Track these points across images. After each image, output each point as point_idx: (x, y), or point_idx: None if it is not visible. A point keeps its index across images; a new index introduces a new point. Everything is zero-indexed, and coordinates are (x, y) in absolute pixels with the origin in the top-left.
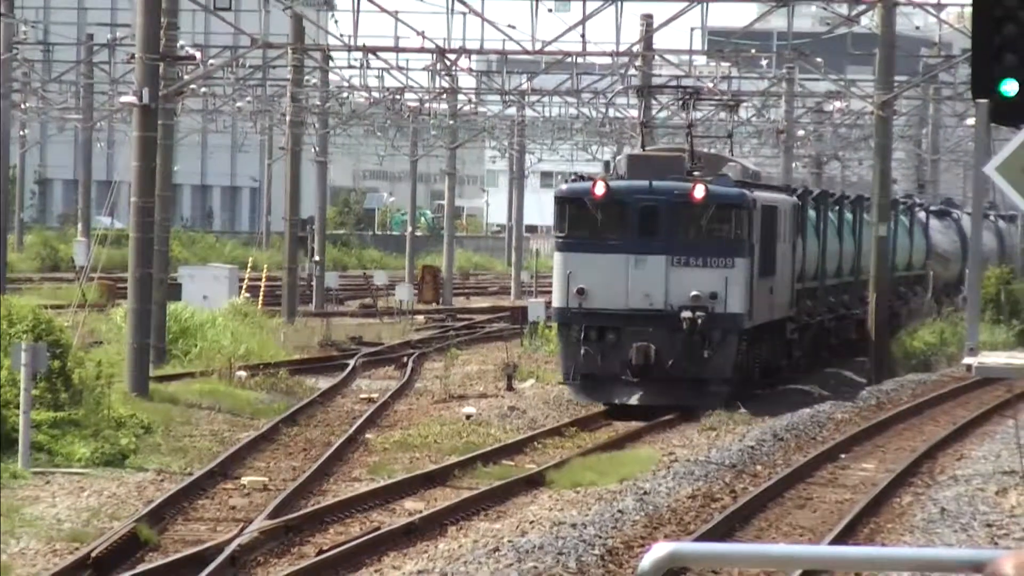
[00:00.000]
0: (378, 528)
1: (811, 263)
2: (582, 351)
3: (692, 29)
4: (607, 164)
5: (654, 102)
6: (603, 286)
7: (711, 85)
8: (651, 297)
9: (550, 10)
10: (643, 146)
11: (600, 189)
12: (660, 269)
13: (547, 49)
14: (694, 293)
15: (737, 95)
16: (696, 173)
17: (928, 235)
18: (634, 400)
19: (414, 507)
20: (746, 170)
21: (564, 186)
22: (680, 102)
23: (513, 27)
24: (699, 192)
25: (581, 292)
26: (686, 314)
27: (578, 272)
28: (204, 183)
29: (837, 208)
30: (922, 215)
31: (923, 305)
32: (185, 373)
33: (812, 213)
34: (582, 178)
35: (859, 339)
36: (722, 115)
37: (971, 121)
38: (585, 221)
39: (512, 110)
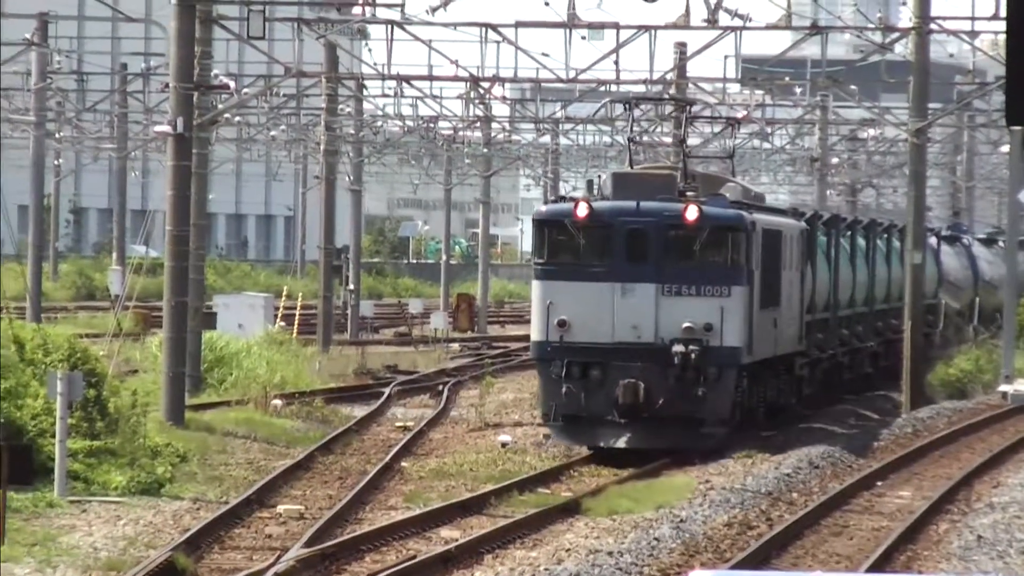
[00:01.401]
0: (414, 556)
1: (822, 293)
2: (564, 389)
3: (726, 57)
4: (590, 183)
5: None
6: (586, 317)
7: (745, 113)
8: (639, 329)
9: (583, 38)
10: (631, 163)
11: (583, 211)
12: (649, 298)
13: (581, 77)
14: (687, 325)
15: (771, 122)
16: (689, 193)
17: (939, 262)
18: (621, 443)
19: (450, 535)
20: (747, 191)
21: (543, 207)
22: (672, 116)
23: (547, 55)
24: (691, 213)
25: (562, 324)
26: (678, 348)
27: (559, 302)
28: (239, 212)
29: (849, 233)
30: (933, 241)
31: (936, 337)
32: (221, 402)
33: (822, 239)
34: (564, 199)
35: (875, 373)
36: (723, 134)
37: (1006, 148)
38: (566, 246)
39: (546, 138)
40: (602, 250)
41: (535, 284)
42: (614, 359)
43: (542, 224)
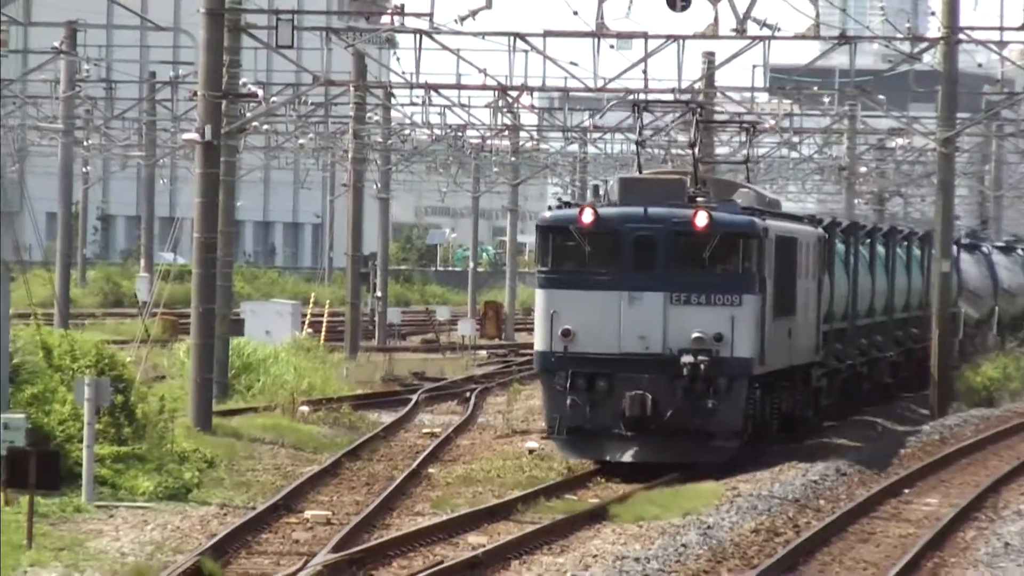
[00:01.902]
0: (441, 562)
1: (840, 301)
2: (568, 401)
3: (754, 66)
4: (596, 188)
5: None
6: (592, 327)
7: (773, 123)
8: (647, 339)
9: (612, 48)
10: (639, 168)
11: (588, 217)
12: (657, 308)
13: (609, 86)
14: (696, 335)
15: (799, 131)
16: (699, 199)
17: (959, 270)
18: (628, 457)
19: (477, 541)
20: (761, 197)
21: (547, 213)
22: (683, 120)
23: (575, 64)
24: (701, 220)
25: (567, 334)
26: (687, 359)
27: (564, 311)
28: (266, 219)
29: (868, 241)
30: (952, 249)
31: (955, 346)
32: (248, 408)
33: (841, 247)
34: (568, 204)
35: (894, 384)
36: (740, 139)
37: None
38: (571, 253)
39: (574, 147)
40: (608, 257)
41: (538, 293)
42: (621, 370)
43: (546, 230)
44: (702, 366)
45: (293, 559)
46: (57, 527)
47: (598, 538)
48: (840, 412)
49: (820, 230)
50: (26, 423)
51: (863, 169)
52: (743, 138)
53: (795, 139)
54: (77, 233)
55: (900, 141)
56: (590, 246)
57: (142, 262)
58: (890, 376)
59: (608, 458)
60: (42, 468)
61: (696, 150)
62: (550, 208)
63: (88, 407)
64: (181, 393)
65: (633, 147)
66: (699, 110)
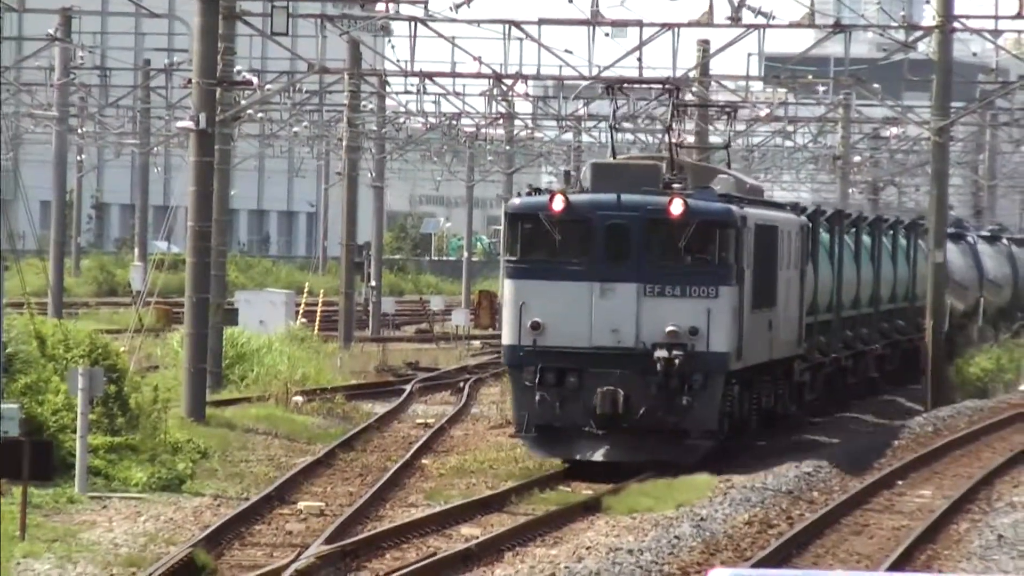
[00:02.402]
0: (435, 554)
1: (824, 293)
2: (537, 397)
3: (749, 55)
4: (567, 174)
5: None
6: (562, 320)
7: (768, 111)
8: (619, 333)
9: (607, 35)
10: (612, 152)
11: (559, 204)
12: (630, 299)
13: (604, 75)
14: (670, 328)
15: (794, 120)
16: (676, 186)
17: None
18: (599, 456)
19: (471, 533)
20: (741, 184)
21: (516, 200)
22: (663, 102)
23: (570, 52)
24: (676, 207)
25: (536, 327)
26: (661, 353)
27: (532, 303)
28: (261, 208)
29: (853, 230)
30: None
31: (941, 339)
32: (242, 398)
33: (825, 236)
34: (538, 191)
35: (880, 377)
36: (720, 125)
37: None
38: (541, 242)
39: (569, 135)
40: (579, 247)
41: (506, 283)
42: (591, 365)
43: (515, 218)
44: (676, 361)
45: (286, 550)
46: (50, 518)
47: (591, 530)
48: (825, 408)
49: (803, 218)
50: (19, 413)
51: (857, 158)
52: (725, 122)
53: (789, 128)
54: (71, 222)
55: (894, 130)
56: (560, 235)
57: (136, 251)
58: (876, 370)
59: (578, 457)
60: (35, 458)
61: (676, 134)
62: (519, 195)
63: (82, 397)
64: (175, 383)
65: (629, 136)
66: (675, 91)
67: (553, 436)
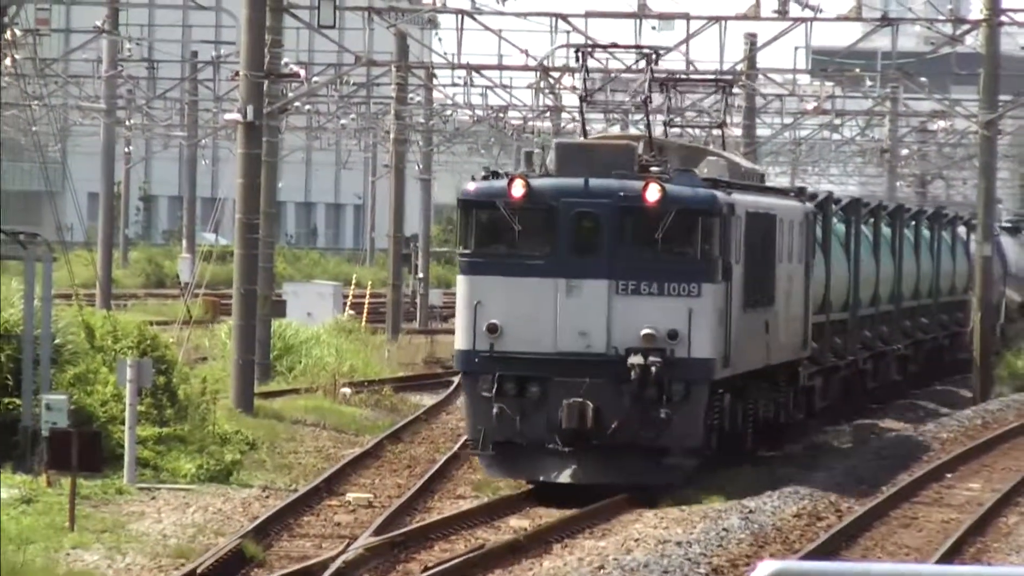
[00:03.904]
0: (483, 545)
1: (839, 289)
2: (495, 410)
3: (796, 48)
4: (529, 156)
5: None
6: (523, 321)
7: (815, 105)
8: (588, 337)
9: (653, 28)
10: (583, 131)
11: (518, 190)
12: (600, 298)
13: (675, 75)
14: (647, 331)
15: (841, 113)
16: (654, 169)
17: (969, 254)
18: (565, 477)
19: (519, 524)
20: (735, 167)
21: (470, 185)
22: (643, 76)
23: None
24: (652, 193)
25: (493, 330)
26: (636, 359)
27: (489, 302)
28: (308, 200)
29: (872, 221)
30: (962, 231)
31: (967, 337)
32: (289, 389)
33: (840, 227)
34: (496, 175)
35: (903, 380)
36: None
37: None
38: (499, 233)
39: (615, 128)
40: (542, 238)
41: (460, 280)
42: (557, 373)
43: (469, 205)
44: (653, 368)
45: (335, 542)
46: (99, 509)
47: (640, 522)
48: (840, 414)
49: (808, 206)
50: (68, 404)
51: (905, 152)
52: (707, 93)
53: (837, 121)
54: (119, 213)
55: (942, 124)
56: (521, 224)
57: (184, 243)
58: (898, 372)
59: (542, 478)
60: (84, 450)
61: (649, 104)
62: (474, 179)
63: (130, 388)
64: (223, 375)
65: (676, 129)
66: (655, 57)
67: (513, 454)
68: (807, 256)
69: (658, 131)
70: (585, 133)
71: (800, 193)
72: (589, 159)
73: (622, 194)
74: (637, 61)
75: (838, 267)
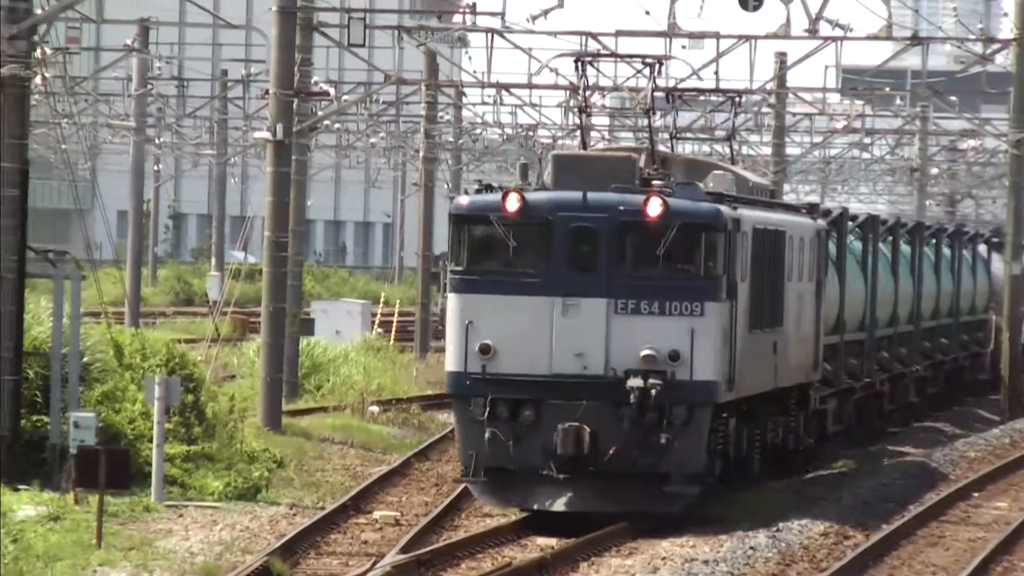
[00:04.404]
0: (510, 563)
1: (854, 309)
2: (487, 435)
3: (826, 67)
4: (525, 168)
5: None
6: (517, 342)
7: (845, 123)
8: (585, 358)
9: (683, 47)
10: (583, 143)
11: (513, 204)
12: (598, 318)
13: (681, 86)
14: (646, 352)
15: (871, 132)
16: (656, 182)
17: (990, 273)
18: (560, 506)
19: (546, 543)
20: (743, 181)
21: (463, 199)
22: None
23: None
24: (654, 208)
25: (486, 351)
26: (635, 382)
27: (481, 322)
28: (337, 218)
29: (890, 239)
30: (982, 248)
31: (986, 358)
32: (317, 407)
33: (857, 244)
34: (491, 188)
35: (921, 403)
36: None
37: None
38: (492, 249)
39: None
40: (538, 255)
41: (451, 298)
42: (552, 396)
43: (461, 221)
44: (654, 391)
45: (362, 560)
46: (127, 526)
47: (667, 540)
48: (856, 439)
49: (820, 223)
50: (96, 422)
51: (934, 170)
52: (715, 105)
53: (866, 140)
54: (148, 232)
55: (972, 143)
56: (515, 240)
57: (213, 261)
58: (916, 394)
59: (536, 506)
60: (112, 467)
61: (652, 116)
62: (466, 192)
63: (158, 406)
64: (251, 392)
65: (705, 148)
66: (657, 66)
67: (507, 481)
68: (819, 274)
69: (675, 147)
70: (585, 145)
71: (812, 209)
72: (587, 172)
73: (622, 208)
74: (639, 72)
75: (853, 286)
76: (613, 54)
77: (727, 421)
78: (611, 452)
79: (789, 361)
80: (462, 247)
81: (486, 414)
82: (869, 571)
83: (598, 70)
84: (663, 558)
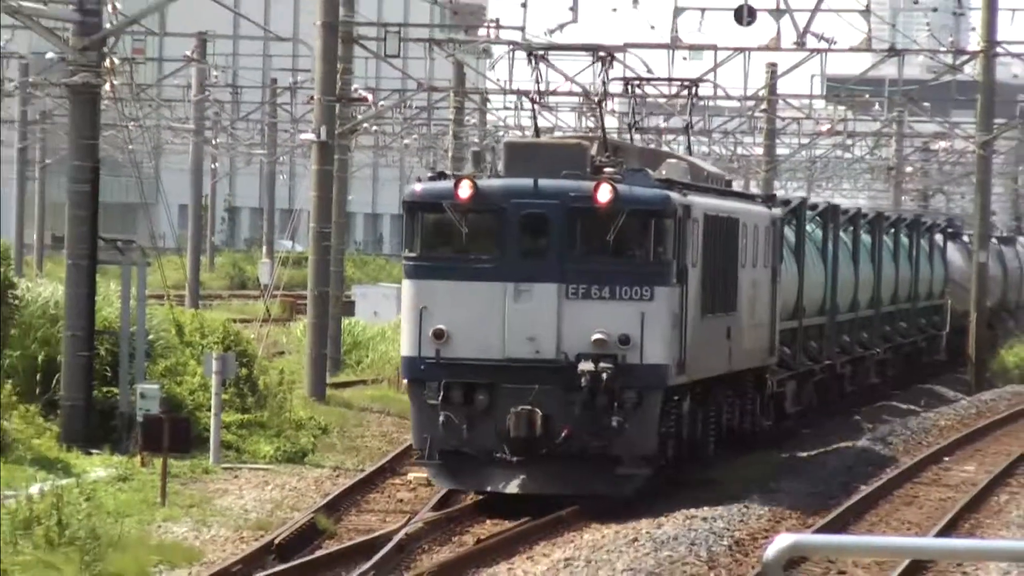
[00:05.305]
0: (528, 520)
1: (814, 295)
2: (441, 418)
3: (812, 76)
4: (477, 156)
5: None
6: (470, 327)
7: (829, 127)
8: (537, 342)
9: (684, 58)
10: (536, 131)
11: (465, 191)
12: (550, 303)
13: (682, 93)
14: (597, 336)
15: (852, 135)
16: (607, 170)
17: (946, 261)
18: (513, 487)
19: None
20: (697, 170)
21: (416, 186)
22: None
23: (651, 72)
24: (604, 194)
25: (439, 335)
26: (586, 366)
27: (435, 307)
28: (375, 211)
29: (851, 228)
30: (939, 237)
31: (941, 344)
32: (358, 380)
33: (818, 232)
34: (443, 175)
35: (882, 384)
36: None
37: None
38: (445, 236)
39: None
40: (490, 241)
41: (405, 284)
42: (504, 380)
43: (414, 207)
44: (604, 375)
45: (398, 516)
46: (187, 486)
47: (672, 499)
48: (814, 420)
49: (775, 211)
50: (160, 393)
51: (909, 169)
52: (673, 93)
53: (848, 142)
54: (206, 223)
55: (943, 144)
56: (468, 227)
57: (264, 249)
58: (877, 376)
59: (490, 488)
60: (174, 433)
61: (604, 106)
62: (419, 180)
63: (215, 379)
64: (298, 367)
65: (704, 148)
66: (609, 59)
67: (461, 464)
68: (774, 261)
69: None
70: (537, 133)
71: (769, 199)
72: (539, 159)
73: (572, 195)
74: (591, 64)
75: (813, 272)
76: (569, 46)
77: (679, 404)
78: (563, 435)
79: (744, 345)
80: (416, 234)
81: (440, 398)
82: (850, 527)
83: (606, 72)
84: (666, 515)
